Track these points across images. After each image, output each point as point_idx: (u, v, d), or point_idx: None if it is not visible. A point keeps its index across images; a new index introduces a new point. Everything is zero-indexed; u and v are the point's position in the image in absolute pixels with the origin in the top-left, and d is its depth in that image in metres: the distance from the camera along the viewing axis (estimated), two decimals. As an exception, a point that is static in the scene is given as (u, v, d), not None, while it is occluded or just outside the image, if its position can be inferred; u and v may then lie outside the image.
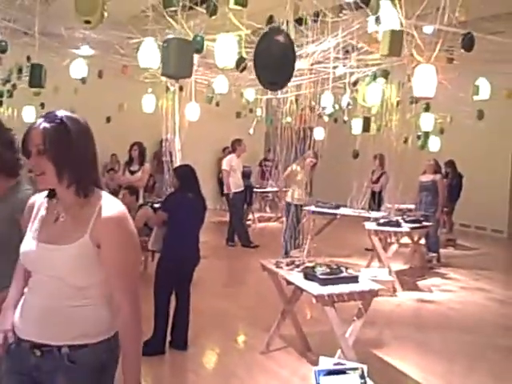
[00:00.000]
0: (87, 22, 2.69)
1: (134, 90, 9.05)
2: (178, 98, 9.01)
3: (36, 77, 4.85)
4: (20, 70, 9.16)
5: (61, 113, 1.98)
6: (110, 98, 10.31)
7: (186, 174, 5.09)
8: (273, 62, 2.95)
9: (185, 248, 4.87)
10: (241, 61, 5.00)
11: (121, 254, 1.96)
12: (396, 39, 3.62)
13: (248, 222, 11.80)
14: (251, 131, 11.51)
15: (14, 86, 9.55)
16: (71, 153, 1.93)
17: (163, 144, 10.88)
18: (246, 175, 11.48)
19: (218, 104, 10.37)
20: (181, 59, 3.11)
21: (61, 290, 1.94)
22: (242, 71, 5.22)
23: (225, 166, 9.98)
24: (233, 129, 12.60)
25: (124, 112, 10.45)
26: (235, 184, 9.93)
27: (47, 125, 1.92)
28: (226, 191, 10.06)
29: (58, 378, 1.93)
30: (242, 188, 10.16)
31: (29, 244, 2.00)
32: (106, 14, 2.59)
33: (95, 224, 1.92)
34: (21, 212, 2.29)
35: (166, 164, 8.84)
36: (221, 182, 14.45)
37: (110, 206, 1.98)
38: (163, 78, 9.15)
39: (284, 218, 8.93)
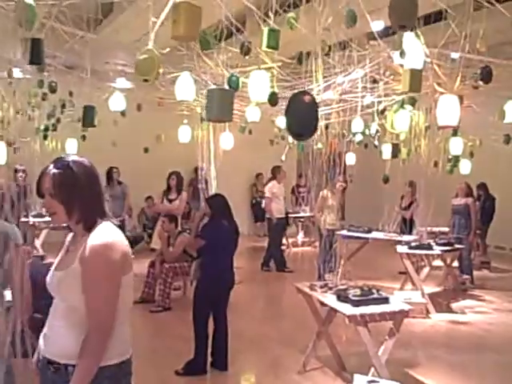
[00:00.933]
0: (146, 80, 3.06)
1: (170, 122, 9.45)
2: (212, 128, 9.41)
3: (89, 117, 5.29)
4: (63, 105, 9.69)
5: (68, 158, 2.26)
6: (148, 130, 10.75)
7: (218, 203, 5.39)
8: (300, 117, 3.26)
9: (221, 273, 5.15)
10: (273, 95, 5.31)
11: (93, 280, 2.10)
12: (415, 77, 3.88)
13: (282, 247, 12.03)
14: (283, 158, 11.79)
15: (58, 120, 10.07)
16: (77, 194, 2.18)
17: (198, 171, 11.28)
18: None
19: (250, 132, 10.69)
20: (222, 106, 3.45)
21: (63, 311, 2.18)
22: (274, 105, 5.52)
23: (267, 193, 10.31)
24: (265, 156, 12.93)
25: (161, 143, 10.87)
26: (278, 210, 10.25)
27: (56, 170, 2.19)
28: (268, 216, 10.35)
29: None
30: (284, 215, 10.49)
31: (50, 272, 2.29)
32: (161, 71, 2.93)
33: (82, 251, 2.15)
34: None
35: (201, 191, 9.20)
36: (254, 208, 14.77)
37: (96, 236, 2.16)
38: (198, 110, 9.60)
39: (317, 243, 9.13)
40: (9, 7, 5.37)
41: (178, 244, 7.35)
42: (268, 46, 4.19)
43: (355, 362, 5.06)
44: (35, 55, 3.71)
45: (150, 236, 11.21)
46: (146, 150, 11.37)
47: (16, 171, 9.67)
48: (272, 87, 5.45)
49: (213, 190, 8.70)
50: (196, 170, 12.36)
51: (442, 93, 5.13)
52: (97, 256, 2.11)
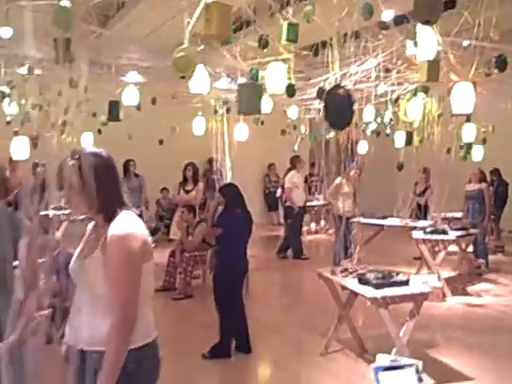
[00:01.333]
0: (183, 77, 3.21)
1: (185, 114, 9.57)
2: (226, 119, 9.56)
3: (114, 112, 5.46)
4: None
5: (86, 150, 2.33)
6: (163, 123, 10.89)
7: (231, 192, 5.57)
8: (336, 109, 3.40)
9: (236, 260, 5.35)
10: (290, 87, 5.44)
11: (115, 269, 2.16)
12: (433, 67, 4.00)
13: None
14: (296, 148, 11.91)
15: (73, 115, 10.23)
16: (96, 185, 2.22)
17: (211, 162, 11.41)
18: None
19: (262, 123, 10.82)
20: (252, 100, 3.62)
21: (87, 298, 2.25)
22: (291, 96, 5.66)
23: (287, 183, 10.42)
24: (277, 146, 13.07)
25: (176, 135, 11.02)
26: (299, 199, 10.38)
27: (74, 162, 2.25)
28: (288, 205, 10.46)
29: (94, 381, 2.15)
30: (303, 203, 10.63)
31: (72, 261, 2.38)
32: (196, 68, 3.07)
33: (104, 240, 2.21)
34: None
35: (216, 182, 9.35)
36: (267, 198, 14.92)
37: (116, 225, 2.22)
38: (212, 102, 9.74)
39: (334, 230, 9.29)
40: (29, 6, 5.52)
41: (197, 233, 7.53)
42: (287, 40, 4.32)
43: (375, 345, 5.21)
44: (66, 54, 3.87)
45: (167, 227, 11.39)
46: (160, 142, 11.53)
47: (35, 165, 9.86)
48: (289, 79, 5.58)
49: (227, 181, 8.85)
50: (209, 161, 12.52)
51: (455, 81, 5.23)
52: (118, 245, 2.17)
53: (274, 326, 6.25)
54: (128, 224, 2.24)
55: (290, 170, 10.77)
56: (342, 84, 4.35)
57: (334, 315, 5.34)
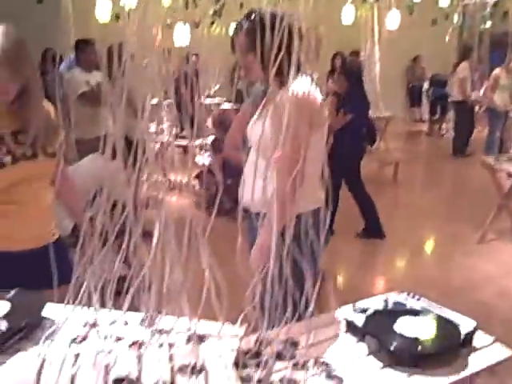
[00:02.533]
0: None
1: (333, 2, 9.33)
2: (376, 8, 9.21)
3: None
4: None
5: (260, 10, 2.17)
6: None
7: (354, 77, 5.53)
8: None
9: (356, 145, 5.40)
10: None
11: (285, 130, 2.25)
12: None
13: (442, 132, 11.95)
14: (447, 39, 11.22)
15: (222, 5, 10.39)
16: (268, 48, 2.03)
17: (356, 54, 11.13)
18: (441, 84, 11.47)
19: (411, 13, 10.26)
20: None
21: (257, 161, 2.17)
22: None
23: (460, 74, 9.73)
24: (426, 37, 12.37)
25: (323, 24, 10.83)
26: (470, 92, 9.75)
27: (248, 24, 2.19)
28: (461, 99, 9.70)
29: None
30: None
31: (249, 126, 2.43)
32: None
33: (277, 103, 2.14)
34: None
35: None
36: (411, 92, 14.34)
37: (292, 89, 2.17)
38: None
39: (487, 125, 8.92)
40: None
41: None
42: None
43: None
44: None
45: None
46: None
47: (188, 56, 10.30)
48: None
49: (376, 73, 8.69)
50: (353, 53, 12.22)
51: None
52: (291, 108, 2.06)
53: (425, 214, 6.28)
54: (305, 89, 2.20)
55: (460, 61, 10.10)
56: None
57: (491, 208, 5.24)
